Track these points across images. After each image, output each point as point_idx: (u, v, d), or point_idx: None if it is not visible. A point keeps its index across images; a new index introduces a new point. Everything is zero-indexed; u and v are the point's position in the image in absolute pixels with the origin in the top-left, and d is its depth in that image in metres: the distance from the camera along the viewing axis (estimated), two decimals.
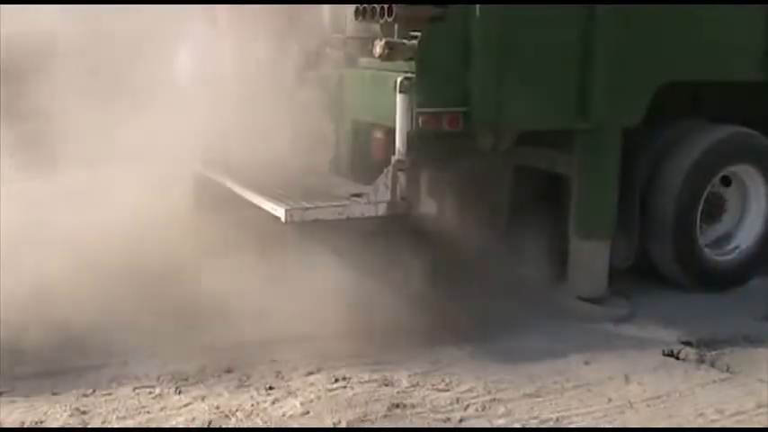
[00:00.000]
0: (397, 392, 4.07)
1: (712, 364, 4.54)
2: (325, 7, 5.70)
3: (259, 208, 4.82)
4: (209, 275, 4.74)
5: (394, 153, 4.54)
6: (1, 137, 5.85)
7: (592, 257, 5.14)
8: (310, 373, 4.22)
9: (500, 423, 3.84)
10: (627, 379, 4.31)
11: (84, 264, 4.72)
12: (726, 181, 5.69)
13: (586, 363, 4.50)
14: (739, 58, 5.49)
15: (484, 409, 3.95)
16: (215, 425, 3.75)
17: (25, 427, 3.75)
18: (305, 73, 5.75)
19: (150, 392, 4.03)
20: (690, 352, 4.64)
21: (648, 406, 4.04)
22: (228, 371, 4.25)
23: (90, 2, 9.70)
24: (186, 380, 4.15)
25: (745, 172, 5.69)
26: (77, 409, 3.85)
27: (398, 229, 4.61)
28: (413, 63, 4.53)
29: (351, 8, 5.19)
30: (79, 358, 4.30)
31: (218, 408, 3.87)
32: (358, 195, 4.67)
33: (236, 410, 3.86)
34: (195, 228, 5.18)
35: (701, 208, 5.48)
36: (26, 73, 5.97)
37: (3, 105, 5.92)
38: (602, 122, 4.93)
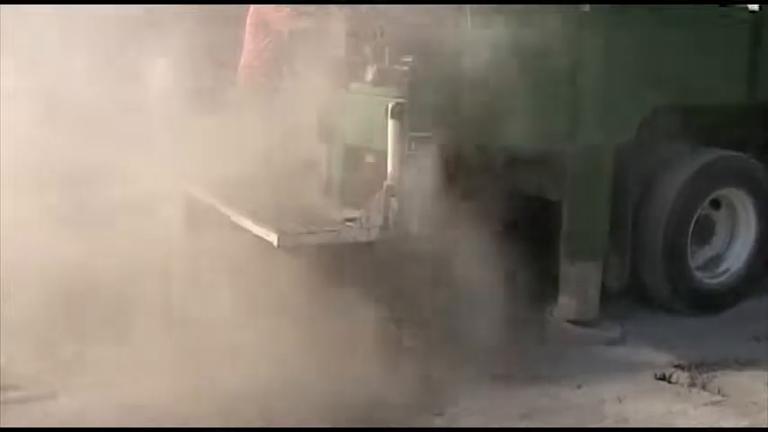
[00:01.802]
0: (391, 415, 4.05)
1: (704, 387, 4.55)
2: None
3: (251, 232, 4.82)
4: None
5: (386, 177, 4.55)
6: None
7: (583, 280, 5.14)
8: None
9: None
10: (620, 400, 4.33)
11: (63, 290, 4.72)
12: (715, 204, 5.73)
13: (578, 386, 4.52)
14: (725, 81, 5.55)
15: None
16: None
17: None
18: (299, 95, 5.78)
19: None
20: (682, 375, 4.65)
21: (644, 424, 4.08)
22: None
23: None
24: None
25: (735, 195, 5.73)
26: None
27: (390, 253, 4.62)
28: (404, 88, 4.55)
29: (343, 33, 5.24)
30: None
31: None
32: (351, 220, 4.68)
33: None
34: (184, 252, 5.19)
35: (691, 231, 5.50)
36: None
37: None
38: (592, 145, 4.96)
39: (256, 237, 4.72)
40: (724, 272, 5.77)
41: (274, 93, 6.13)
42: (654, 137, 5.33)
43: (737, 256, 5.80)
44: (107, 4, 9.69)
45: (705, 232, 5.72)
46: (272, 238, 4.53)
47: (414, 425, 4.10)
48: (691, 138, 5.65)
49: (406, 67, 4.56)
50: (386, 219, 4.55)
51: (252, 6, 6.72)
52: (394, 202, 4.54)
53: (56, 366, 4.50)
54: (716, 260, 5.80)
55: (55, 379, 4.38)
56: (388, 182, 4.55)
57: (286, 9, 6.41)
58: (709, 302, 5.63)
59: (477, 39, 4.63)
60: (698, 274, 5.63)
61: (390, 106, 4.49)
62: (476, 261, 4.81)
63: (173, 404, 4.00)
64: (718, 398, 4.43)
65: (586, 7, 4.87)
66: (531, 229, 5.31)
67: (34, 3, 9.51)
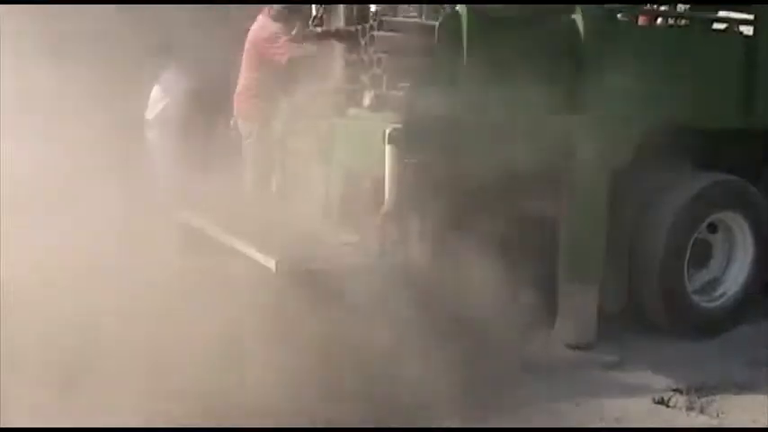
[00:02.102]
0: None
1: (702, 411, 4.55)
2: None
3: (249, 257, 4.83)
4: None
5: (383, 202, 4.58)
6: None
7: (580, 302, 5.16)
8: None
9: None
10: (618, 421, 4.34)
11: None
12: (712, 227, 5.75)
13: (577, 404, 4.53)
14: (721, 104, 5.59)
15: None
16: None
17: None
18: (296, 122, 5.83)
19: None
20: (680, 399, 4.65)
21: None
22: None
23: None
24: None
25: (732, 219, 5.74)
26: None
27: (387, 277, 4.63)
28: (401, 114, 4.58)
29: (340, 59, 5.28)
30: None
31: None
32: (349, 245, 4.70)
33: None
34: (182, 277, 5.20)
35: (688, 254, 5.52)
36: None
37: None
38: (589, 167, 4.99)
39: (255, 262, 4.75)
40: (721, 295, 5.78)
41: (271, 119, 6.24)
42: (650, 160, 5.36)
43: (735, 280, 5.80)
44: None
45: (702, 256, 5.73)
46: (271, 263, 4.55)
47: None
48: (687, 161, 5.68)
49: (402, 93, 4.57)
50: (383, 243, 4.57)
51: (248, 37, 6.79)
52: (391, 227, 4.56)
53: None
54: (713, 284, 5.81)
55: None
56: (385, 206, 4.57)
57: (282, 40, 6.48)
58: (706, 326, 5.63)
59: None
60: (695, 298, 5.64)
61: (387, 132, 4.53)
62: (473, 284, 4.84)
63: None
64: (717, 422, 4.43)
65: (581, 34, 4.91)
66: (528, 251, 5.32)
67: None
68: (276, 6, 6.71)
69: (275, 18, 6.76)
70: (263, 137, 6.50)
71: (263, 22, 6.81)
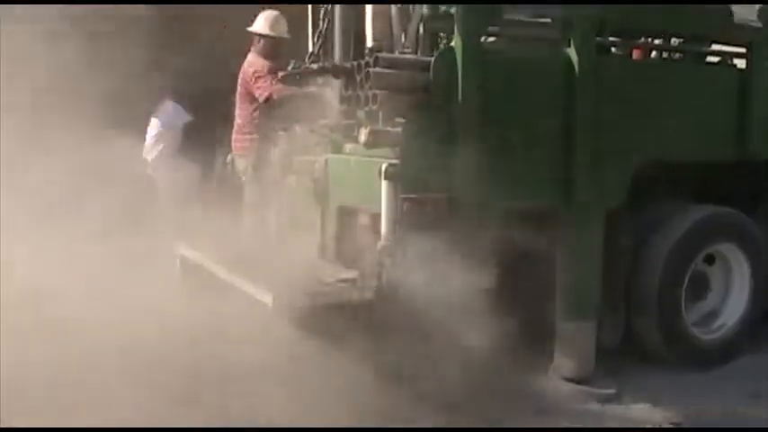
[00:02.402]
0: None
1: None
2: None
3: (246, 294, 4.84)
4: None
5: (380, 238, 4.58)
6: None
7: (578, 337, 5.15)
8: None
9: None
10: None
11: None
12: (709, 259, 5.75)
13: None
14: (714, 137, 5.62)
15: None
16: None
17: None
18: (291, 158, 5.86)
19: None
20: None
21: None
22: None
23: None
24: None
25: (729, 250, 5.75)
26: None
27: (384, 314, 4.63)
28: (397, 150, 4.60)
29: (336, 95, 5.31)
30: None
31: None
32: (345, 281, 4.70)
33: None
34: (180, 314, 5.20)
35: (685, 286, 5.52)
36: None
37: None
38: (585, 203, 5.01)
39: (251, 298, 4.75)
40: (720, 327, 5.77)
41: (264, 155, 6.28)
42: (646, 194, 5.38)
43: (733, 312, 5.80)
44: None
45: (700, 288, 5.73)
46: (267, 299, 4.55)
47: None
48: (683, 194, 5.70)
49: (398, 129, 4.59)
50: (380, 279, 4.57)
51: (240, 74, 6.86)
52: (388, 263, 4.56)
53: None
54: (711, 316, 5.80)
55: None
56: (382, 242, 4.58)
57: (263, 77, 6.56)
58: (705, 358, 5.62)
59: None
60: (693, 330, 5.62)
61: (384, 167, 4.54)
62: (471, 319, 4.83)
63: None
64: None
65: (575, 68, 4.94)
66: (526, 286, 5.32)
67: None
68: (260, 41, 6.83)
69: (259, 52, 6.87)
70: (257, 173, 6.56)
71: (250, 59, 6.91)
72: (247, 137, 6.86)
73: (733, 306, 5.81)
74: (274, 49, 6.95)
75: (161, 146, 9.38)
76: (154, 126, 9.45)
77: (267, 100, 6.74)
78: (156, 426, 4.27)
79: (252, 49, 6.97)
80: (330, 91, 5.70)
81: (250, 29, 7.00)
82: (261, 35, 6.98)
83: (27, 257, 5.82)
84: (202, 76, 7.56)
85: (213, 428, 3.76)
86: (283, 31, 7.03)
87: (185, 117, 9.41)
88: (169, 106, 9.50)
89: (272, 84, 6.63)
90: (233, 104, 7.15)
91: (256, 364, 4.59)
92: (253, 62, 6.88)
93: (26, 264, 5.72)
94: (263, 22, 7.02)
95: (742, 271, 5.81)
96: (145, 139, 9.42)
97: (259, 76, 6.77)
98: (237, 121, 7.00)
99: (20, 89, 6.34)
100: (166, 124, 9.43)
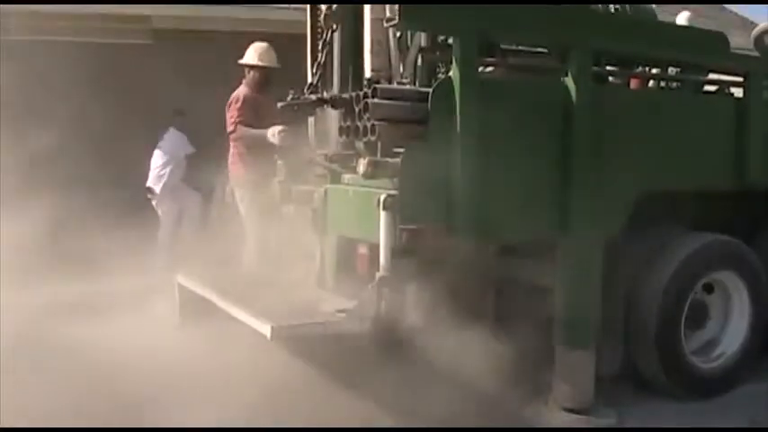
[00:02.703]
0: None
1: None
2: (310, 124, 5.86)
3: (244, 324, 4.84)
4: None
5: (378, 269, 4.59)
6: None
7: (577, 368, 5.13)
8: None
9: None
10: None
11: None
12: (709, 288, 5.75)
13: None
14: (713, 166, 5.64)
15: None
16: None
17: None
18: (290, 188, 5.88)
19: None
20: None
21: None
22: None
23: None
24: None
25: (728, 279, 5.74)
26: None
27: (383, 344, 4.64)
28: (396, 180, 4.61)
29: (335, 126, 5.33)
30: None
31: None
32: (344, 311, 4.70)
33: None
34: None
35: (684, 315, 5.51)
36: None
37: None
38: (583, 234, 5.01)
39: (250, 329, 4.75)
40: (719, 356, 5.75)
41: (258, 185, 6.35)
42: (644, 223, 5.39)
43: (732, 340, 5.78)
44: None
45: (699, 316, 5.72)
46: (266, 330, 4.56)
47: None
48: (681, 223, 5.70)
49: (397, 160, 4.61)
50: (379, 310, 4.57)
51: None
52: (387, 293, 4.57)
53: None
54: (711, 344, 5.78)
55: None
56: (381, 273, 4.58)
57: (233, 108, 6.77)
58: (705, 387, 5.61)
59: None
60: (693, 359, 5.61)
61: (382, 198, 4.55)
62: (469, 348, 4.83)
63: None
64: None
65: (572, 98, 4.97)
66: (524, 315, 5.32)
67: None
68: (250, 72, 6.98)
69: (249, 83, 7.02)
70: (253, 202, 6.65)
71: (238, 89, 7.08)
72: (238, 165, 6.98)
73: (732, 335, 5.80)
74: (264, 80, 7.15)
75: (165, 176, 9.43)
76: (158, 156, 9.50)
77: (232, 132, 7.00)
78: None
79: (243, 81, 7.14)
80: (286, 135, 6.08)
81: (241, 61, 7.16)
82: (250, 66, 7.16)
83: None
84: (206, 105, 7.65)
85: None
86: (272, 61, 7.21)
87: (188, 148, 9.47)
88: (173, 136, 9.56)
89: (239, 116, 6.91)
90: None
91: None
92: (236, 93, 7.05)
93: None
94: (252, 53, 7.23)
95: (741, 299, 5.80)
96: (149, 168, 9.48)
97: (230, 106, 6.98)
98: (230, 150, 7.10)
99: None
100: (169, 154, 9.48)
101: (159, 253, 8.48)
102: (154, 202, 9.42)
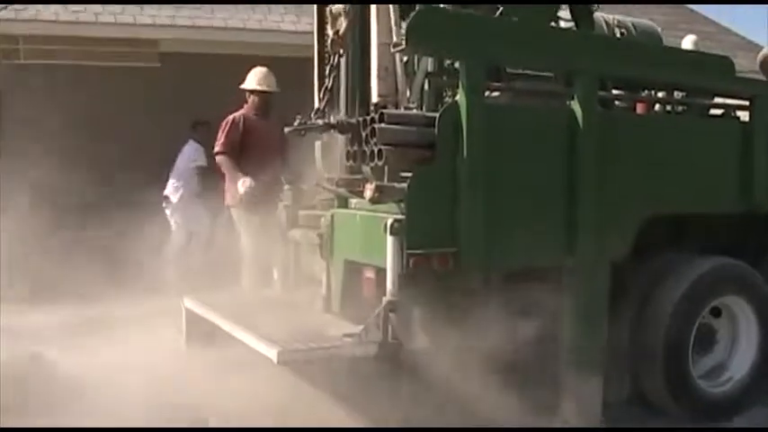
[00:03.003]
0: None
1: None
2: (318, 149, 5.88)
3: (251, 348, 4.85)
4: None
5: (385, 293, 4.59)
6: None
7: (584, 392, 5.12)
8: None
9: None
10: None
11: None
12: (716, 312, 5.73)
13: None
14: (719, 190, 5.64)
15: None
16: None
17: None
18: (297, 213, 5.89)
19: None
20: None
21: None
22: None
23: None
24: None
25: (735, 303, 5.72)
26: None
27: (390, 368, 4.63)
28: (403, 205, 4.62)
29: (342, 151, 5.35)
30: None
31: None
32: (350, 336, 4.70)
33: None
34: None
35: (692, 339, 5.49)
36: None
37: None
38: (589, 258, 5.01)
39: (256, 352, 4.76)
40: (728, 380, 5.72)
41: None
42: (651, 247, 5.38)
43: (740, 365, 5.75)
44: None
45: (706, 341, 5.70)
46: (272, 354, 4.56)
47: None
48: (687, 247, 5.70)
49: (404, 185, 4.62)
50: (385, 334, 4.57)
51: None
52: (393, 318, 4.57)
53: None
54: (719, 369, 5.76)
55: None
56: (387, 297, 4.58)
57: (222, 133, 7.10)
58: (713, 412, 5.58)
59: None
60: (701, 383, 5.58)
61: (389, 223, 4.56)
62: (476, 374, 4.83)
63: None
64: None
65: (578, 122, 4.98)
66: (531, 340, 5.31)
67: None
68: (251, 96, 7.09)
69: (250, 107, 7.15)
70: (249, 223, 6.72)
71: (234, 113, 7.21)
72: (229, 185, 7.09)
73: (740, 359, 5.77)
74: (264, 104, 7.29)
75: (180, 188, 9.40)
76: (176, 168, 9.49)
77: (215, 155, 7.23)
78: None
79: (244, 105, 7.25)
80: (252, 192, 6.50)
81: (242, 86, 7.24)
82: (250, 91, 7.27)
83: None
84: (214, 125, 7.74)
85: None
86: (272, 85, 7.31)
87: (200, 160, 9.44)
88: (190, 148, 9.54)
89: (221, 144, 7.12)
90: None
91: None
92: (230, 116, 7.22)
93: None
94: (252, 78, 7.34)
95: (749, 323, 5.77)
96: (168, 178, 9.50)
97: (220, 129, 7.15)
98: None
99: None
100: (184, 166, 9.49)
101: (165, 267, 8.51)
102: (168, 211, 9.41)
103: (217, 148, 7.17)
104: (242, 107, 7.32)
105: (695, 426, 5.07)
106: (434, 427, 4.09)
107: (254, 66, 7.44)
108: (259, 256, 6.49)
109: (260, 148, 7.04)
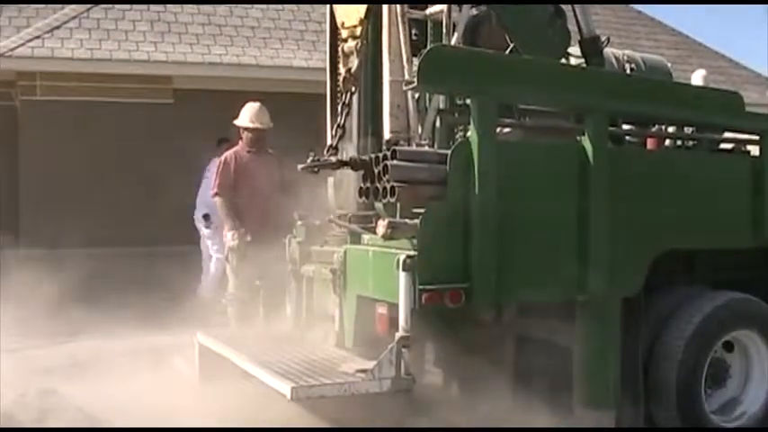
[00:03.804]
0: None
1: None
2: (330, 185, 5.93)
3: (264, 384, 4.87)
4: None
5: (398, 329, 4.61)
6: None
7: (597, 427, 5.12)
8: None
9: None
10: None
11: None
12: (728, 346, 5.72)
13: None
14: (730, 225, 5.66)
15: None
16: None
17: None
18: (310, 248, 5.93)
19: None
20: None
21: None
22: None
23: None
24: None
25: (747, 337, 5.70)
26: None
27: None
28: (415, 242, 4.66)
29: (355, 187, 5.39)
30: None
31: None
32: (363, 371, 4.72)
33: None
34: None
35: (705, 374, 5.48)
36: None
37: None
38: (601, 294, 5.03)
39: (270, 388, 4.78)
40: (741, 415, 5.67)
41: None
42: (663, 282, 5.39)
43: (754, 399, 5.71)
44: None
45: (719, 375, 5.68)
46: (286, 390, 4.58)
47: None
48: (699, 281, 5.70)
49: (416, 221, 4.66)
50: (398, 370, 4.58)
51: None
52: (406, 354, 4.59)
53: None
54: (732, 404, 5.72)
55: None
56: (400, 333, 4.60)
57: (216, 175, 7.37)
58: None
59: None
60: (714, 418, 5.54)
61: (401, 259, 4.59)
62: (488, 409, 4.83)
63: None
64: None
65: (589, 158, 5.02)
66: (544, 376, 5.31)
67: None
68: (244, 132, 7.21)
69: (245, 143, 7.28)
70: (236, 272, 6.83)
71: (229, 151, 7.35)
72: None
73: (754, 394, 5.73)
74: (257, 140, 7.40)
75: (210, 215, 9.22)
76: (205, 187, 9.39)
77: (212, 196, 7.48)
78: None
79: (239, 141, 7.38)
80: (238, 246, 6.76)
81: (235, 122, 7.36)
82: (243, 128, 7.42)
83: None
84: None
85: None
86: (264, 121, 7.39)
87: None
88: (214, 166, 9.51)
89: (216, 186, 7.34)
90: None
91: None
92: (225, 154, 7.47)
93: None
94: (245, 114, 7.42)
95: (761, 358, 5.74)
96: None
97: (215, 171, 7.47)
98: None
99: None
100: (207, 192, 9.45)
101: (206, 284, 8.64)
102: (205, 232, 9.31)
103: (212, 190, 7.41)
104: (237, 143, 7.49)
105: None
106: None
107: (248, 101, 7.54)
108: (244, 301, 6.69)
109: (252, 185, 7.20)
